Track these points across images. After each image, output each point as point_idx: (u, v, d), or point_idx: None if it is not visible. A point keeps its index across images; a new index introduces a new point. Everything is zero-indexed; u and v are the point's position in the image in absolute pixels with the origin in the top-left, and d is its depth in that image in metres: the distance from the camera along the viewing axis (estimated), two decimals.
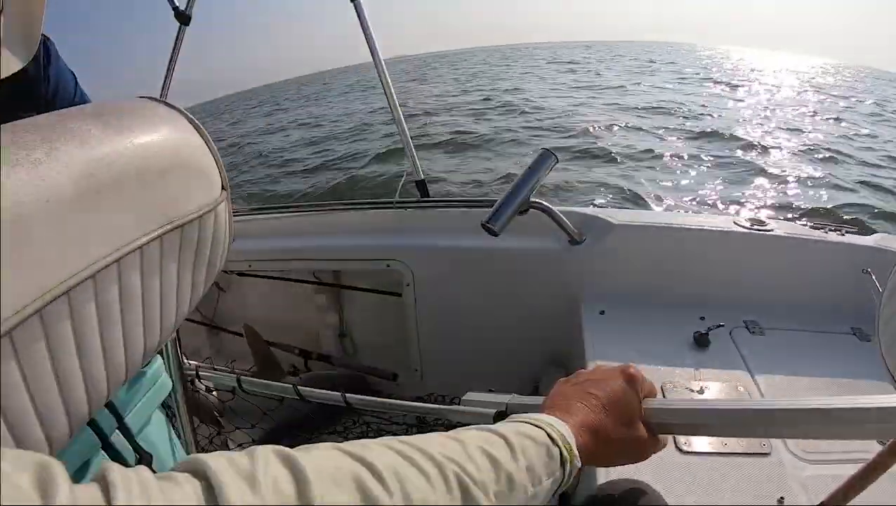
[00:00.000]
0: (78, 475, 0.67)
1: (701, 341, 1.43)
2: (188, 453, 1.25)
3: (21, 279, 0.41)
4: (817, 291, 1.58)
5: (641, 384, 0.68)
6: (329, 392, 1.33)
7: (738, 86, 23.15)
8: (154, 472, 0.75)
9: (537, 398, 0.83)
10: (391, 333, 2.16)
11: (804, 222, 1.71)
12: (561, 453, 0.55)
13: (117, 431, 0.75)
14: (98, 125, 0.48)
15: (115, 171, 0.47)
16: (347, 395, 1.30)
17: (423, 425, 1.90)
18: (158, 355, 0.86)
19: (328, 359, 2.30)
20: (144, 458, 0.78)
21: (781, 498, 0.99)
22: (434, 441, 0.48)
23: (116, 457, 0.74)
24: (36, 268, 0.42)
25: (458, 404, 0.95)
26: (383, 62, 2.00)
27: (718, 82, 24.26)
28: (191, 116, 0.60)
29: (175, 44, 2.05)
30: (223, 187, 0.61)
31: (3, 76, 1.15)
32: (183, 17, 2.04)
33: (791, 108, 15.97)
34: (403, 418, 1.93)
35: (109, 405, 0.73)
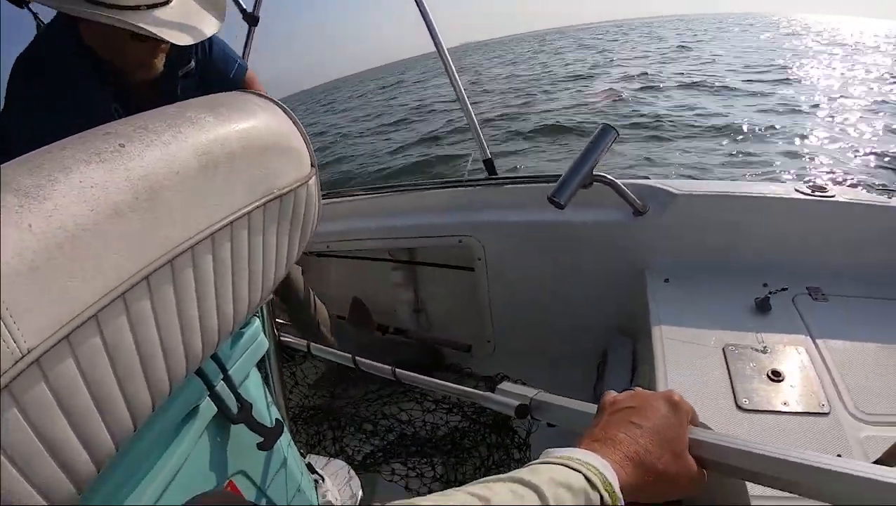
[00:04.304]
0: (188, 418, 0.76)
1: (763, 306, 1.42)
2: (279, 409, 1.38)
3: (156, 235, 0.50)
4: (882, 258, 1.54)
5: (686, 411, 0.63)
6: (383, 365, 1.43)
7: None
8: (253, 419, 0.85)
9: (561, 399, 0.87)
10: (464, 307, 2.24)
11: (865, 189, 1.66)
12: (602, 498, 0.49)
13: (222, 381, 0.85)
14: (211, 114, 0.58)
15: (227, 149, 0.56)
16: (397, 371, 1.39)
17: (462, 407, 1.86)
18: (256, 318, 0.96)
19: (404, 333, 2.41)
20: (245, 407, 0.88)
21: (838, 456, 1.00)
22: (458, 498, 0.45)
23: (220, 404, 0.84)
24: (168, 226, 0.51)
25: (494, 393, 1.03)
26: (446, 49, 2.08)
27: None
28: (282, 104, 0.70)
29: (246, 44, 2.19)
30: (312, 165, 0.70)
31: (207, 36, 1.38)
32: (251, 19, 2.16)
33: None
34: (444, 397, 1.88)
35: (216, 358, 0.83)
